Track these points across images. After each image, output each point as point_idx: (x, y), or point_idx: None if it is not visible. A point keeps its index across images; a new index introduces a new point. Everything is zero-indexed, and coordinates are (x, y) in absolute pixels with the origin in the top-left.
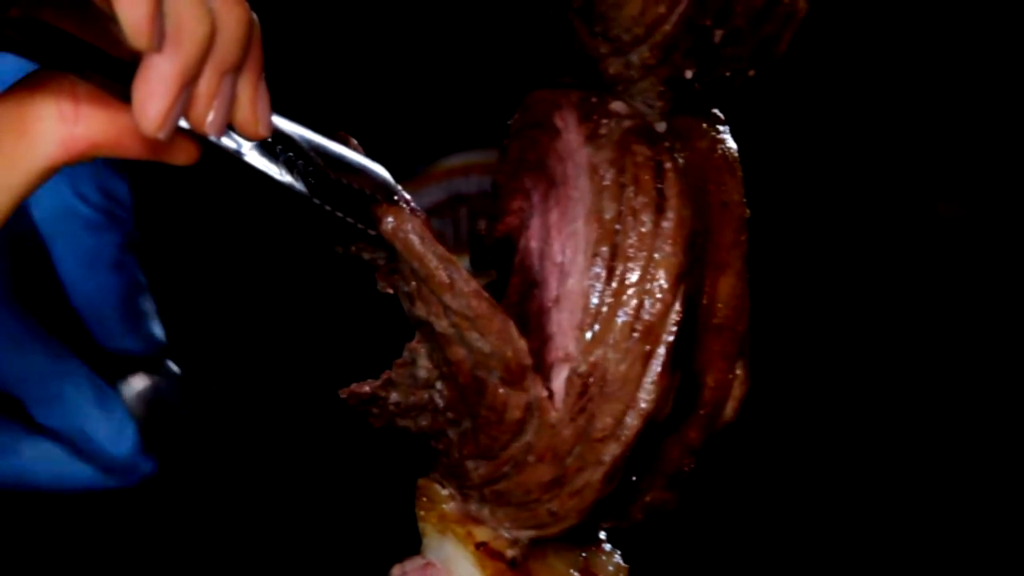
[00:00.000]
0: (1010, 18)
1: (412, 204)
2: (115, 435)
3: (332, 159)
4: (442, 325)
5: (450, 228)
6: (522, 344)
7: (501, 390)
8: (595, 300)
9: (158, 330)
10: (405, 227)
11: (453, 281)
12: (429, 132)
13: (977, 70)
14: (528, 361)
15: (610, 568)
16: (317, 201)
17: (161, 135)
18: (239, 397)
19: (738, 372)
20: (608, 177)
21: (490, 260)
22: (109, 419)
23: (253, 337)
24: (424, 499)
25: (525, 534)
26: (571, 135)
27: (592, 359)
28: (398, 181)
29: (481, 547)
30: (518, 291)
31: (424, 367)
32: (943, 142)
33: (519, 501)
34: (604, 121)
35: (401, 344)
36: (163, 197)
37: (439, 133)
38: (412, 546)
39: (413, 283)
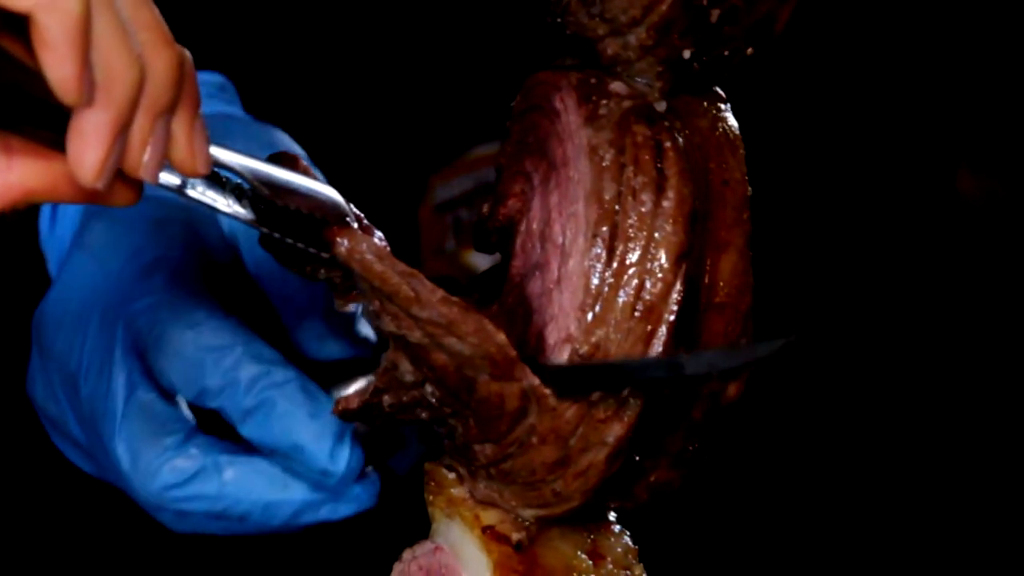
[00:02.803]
0: None
1: (365, 222)
2: (333, 449)
3: (278, 187)
4: (416, 336)
5: (478, 217)
6: (501, 337)
7: (493, 386)
8: (596, 281)
9: (366, 329)
10: (360, 247)
11: (418, 293)
12: (457, 122)
13: (997, 20)
14: (512, 352)
15: (619, 549)
16: (266, 230)
17: (100, 184)
18: None
19: None
20: (608, 158)
21: (493, 243)
22: (325, 431)
23: None
24: (432, 484)
25: (531, 513)
26: (570, 116)
27: (594, 339)
28: (427, 171)
29: (487, 530)
30: (520, 273)
31: (408, 371)
32: (965, 105)
33: (525, 480)
34: (604, 102)
35: None
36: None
37: (467, 123)
38: (423, 531)
39: (376, 302)
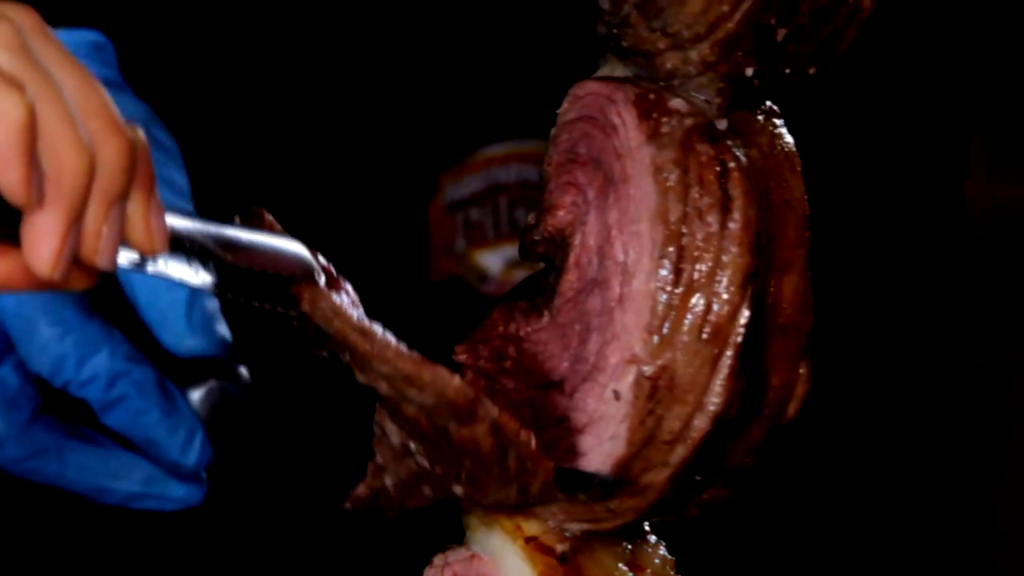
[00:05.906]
0: None
1: (333, 275)
2: (183, 443)
3: (240, 249)
4: (384, 389)
5: (489, 218)
6: (456, 380)
7: (463, 431)
8: (663, 302)
9: (224, 329)
10: (321, 306)
11: (375, 348)
12: (468, 121)
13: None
14: (471, 393)
15: (656, 561)
16: (230, 296)
17: (56, 276)
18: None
19: (801, 371)
20: (673, 178)
21: (539, 253)
22: (178, 426)
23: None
24: None
25: (579, 527)
26: (630, 133)
27: (660, 362)
28: (437, 170)
29: (531, 541)
30: (575, 288)
31: (393, 432)
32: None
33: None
34: (665, 119)
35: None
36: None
37: (478, 122)
38: (451, 535)
39: (346, 355)
